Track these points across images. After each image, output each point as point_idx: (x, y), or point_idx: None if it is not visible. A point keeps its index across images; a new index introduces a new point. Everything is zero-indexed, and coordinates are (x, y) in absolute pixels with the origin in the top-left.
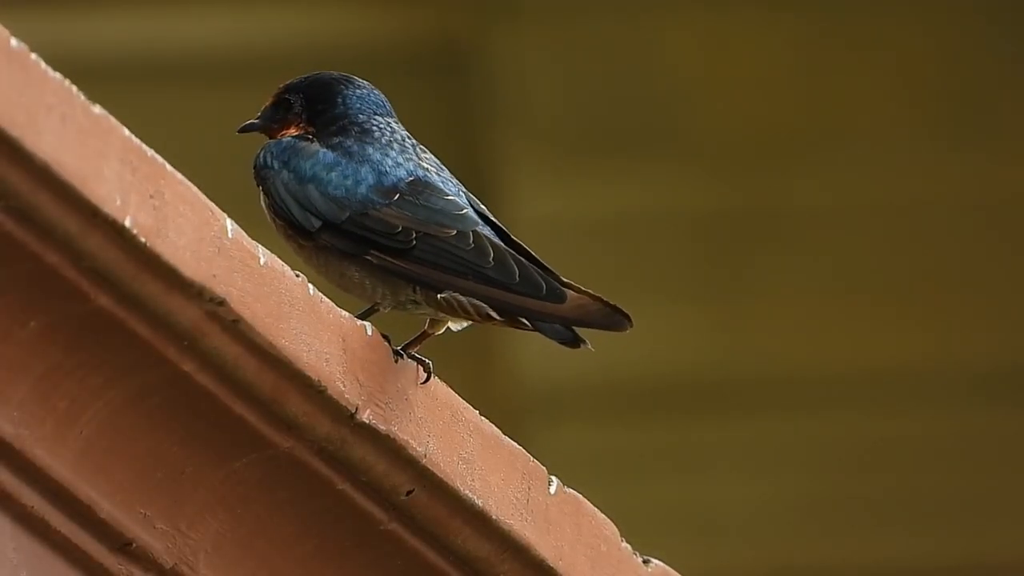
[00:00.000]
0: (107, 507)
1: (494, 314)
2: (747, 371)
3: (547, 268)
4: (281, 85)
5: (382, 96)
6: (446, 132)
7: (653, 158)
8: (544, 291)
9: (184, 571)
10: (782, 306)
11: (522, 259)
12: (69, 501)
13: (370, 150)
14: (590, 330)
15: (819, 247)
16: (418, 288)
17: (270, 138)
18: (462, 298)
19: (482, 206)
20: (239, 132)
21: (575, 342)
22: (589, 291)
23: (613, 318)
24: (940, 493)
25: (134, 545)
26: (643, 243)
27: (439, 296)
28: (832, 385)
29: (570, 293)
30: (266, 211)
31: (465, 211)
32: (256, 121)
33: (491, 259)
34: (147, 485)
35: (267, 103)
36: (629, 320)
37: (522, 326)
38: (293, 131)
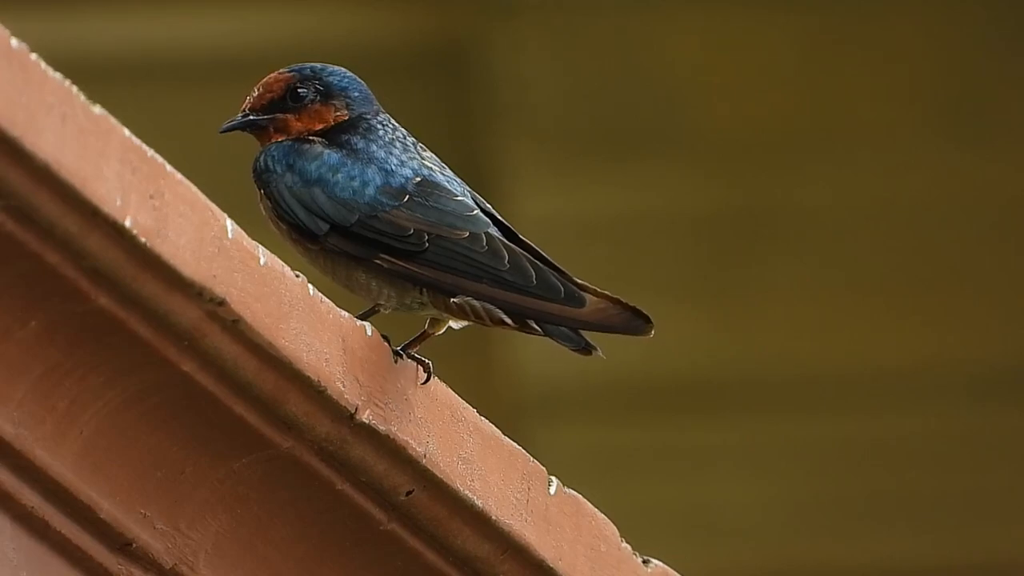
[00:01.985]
0: (107, 507)
1: (507, 319)
2: (747, 371)
3: (559, 269)
4: (283, 76)
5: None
6: (446, 132)
7: (653, 158)
8: (562, 294)
9: (184, 571)
10: (782, 306)
11: (536, 261)
12: (69, 501)
13: (374, 147)
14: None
15: (819, 247)
16: (426, 291)
17: (270, 130)
18: (476, 303)
19: (488, 205)
20: (223, 132)
21: (587, 349)
22: (606, 293)
23: (634, 323)
24: (940, 493)
25: (134, 545)
26: (643, 243)
27: (452, 301)
28: (832, 385)
29: (588, 296)
30: (266, 214)
31: (475, 212)
32: (255, 117)
33: (506, 261)
34: (147, 485)
35: (267, 96)
36: (650, 323)
37: (532, 331)
38: (314, 124)
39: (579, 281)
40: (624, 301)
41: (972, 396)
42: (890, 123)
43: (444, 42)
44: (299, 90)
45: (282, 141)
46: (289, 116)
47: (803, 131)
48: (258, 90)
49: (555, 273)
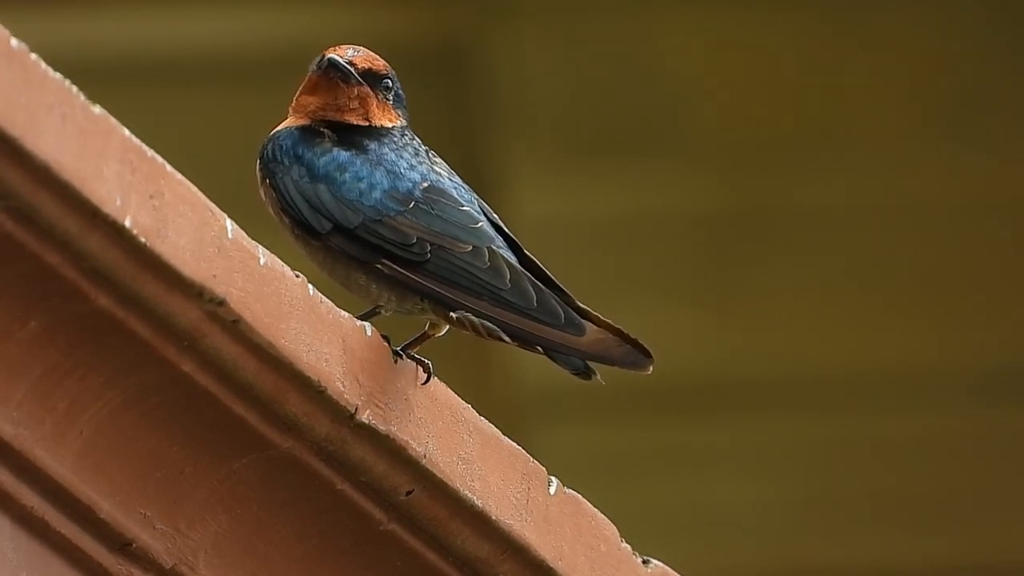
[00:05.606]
0: (107, 507)
1: (505, 338)
2: (747, 371)
3: (563, 291)
4: (381, 61)
5: None
6: (446, 132)
7: (653, 158)
8: (562, 320)
9: (184, 571)
10: (782, 306)
11: (538, 282)
12: (69, 501)
13: (386, 150)
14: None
15: (819, 247)
16: (426, 300)
17: (352, 91)
18: (475, 319)
19: (495, 215)
20: (338, 65)
21: (587, 373)
22: (609, 322)
23: (634, 356)
24: (940, 493)
25: (134, 545)
26: (643, 243)
27: (451, 314)
28: (832, 385)
29: (589, 325)
30: (269, 205)
31: (480, 224)
32: (357, 73)
33: (507, 281)
34: (147, 485)
35: (367, 65)
36: (650, 358)
37: (532, 349)
38: (376, 117)
39: (581, 306)
40: (626, 332)
41: (973, 396)
42: (890, 123)
43: (444, 42)
44: (389, 82)
45: (291, 131)
46: (370, 94)
47: (803, 131)
48: (360, 52)
49: (557, 296)
